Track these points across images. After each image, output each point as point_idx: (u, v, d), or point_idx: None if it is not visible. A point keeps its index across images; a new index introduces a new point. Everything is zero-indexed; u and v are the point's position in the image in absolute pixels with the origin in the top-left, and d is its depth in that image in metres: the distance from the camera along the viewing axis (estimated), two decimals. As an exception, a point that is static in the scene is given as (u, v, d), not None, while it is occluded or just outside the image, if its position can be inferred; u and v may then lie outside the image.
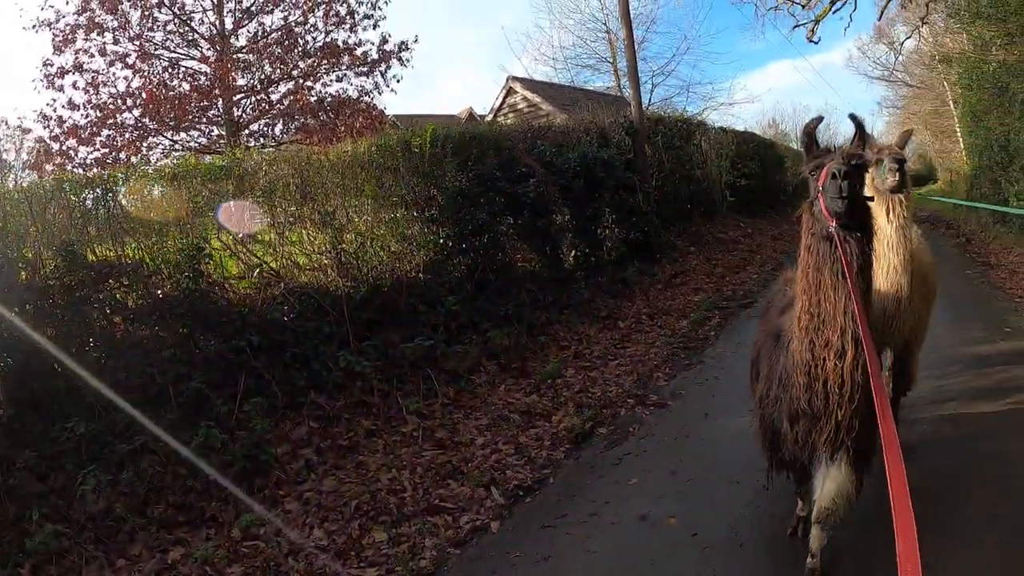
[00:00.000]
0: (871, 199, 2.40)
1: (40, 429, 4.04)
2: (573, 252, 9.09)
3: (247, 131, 12.93)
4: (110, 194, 4.76)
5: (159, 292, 4.63)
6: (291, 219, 5.66)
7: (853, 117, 2.45)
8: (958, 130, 21.25)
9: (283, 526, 3.73)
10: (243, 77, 12.51)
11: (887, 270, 3.52)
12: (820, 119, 2.49)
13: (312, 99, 12.54)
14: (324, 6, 12.89)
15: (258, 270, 5.20)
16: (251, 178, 5.46)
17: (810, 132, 2.46)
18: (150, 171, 5.17)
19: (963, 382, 4.92)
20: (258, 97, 12.83)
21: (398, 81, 15.22)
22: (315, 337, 5.30)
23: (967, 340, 5.98)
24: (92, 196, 4.73)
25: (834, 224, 2.21)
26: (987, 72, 12.89)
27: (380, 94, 13.86)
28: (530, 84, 17.14)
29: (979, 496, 3.26)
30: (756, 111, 55.94)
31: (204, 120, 12.39)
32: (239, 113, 12.69)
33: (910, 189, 3.59)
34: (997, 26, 11.49)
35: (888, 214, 3.48)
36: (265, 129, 13.19)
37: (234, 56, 12.49)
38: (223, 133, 12.45)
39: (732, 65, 58.98)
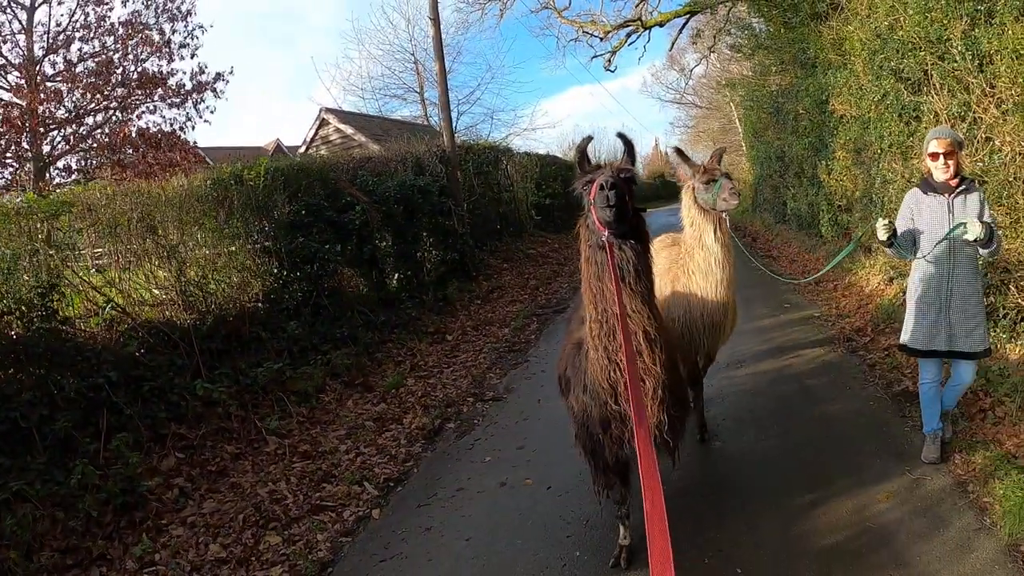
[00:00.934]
0: (643, 210, 2.56)
1: None
2: (396, 275, 9.72)
3: (57, 166, 11.84)
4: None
5: (12, 333, 4.54)
6: (135, 254, 5.70)
7: (622, 136, 2.59)
8: (743, 145, 23.27)
9: (178, 549, 3.99)
10: (56, 107, 11.43)
11: (715, 285, 3.84)
12: (590, 138, 2.69)
13: (131, 131, 11.81)
14: (141, 35, 12.21)
15: (109, 306, 5.22)
16: (93, 213, 5.45)
17: (582, 150, 2.60)
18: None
19: (752, 348, 6.47)
20: (68, 130, 11.77)
21: (212, 112, 14.71)
22: (168, 370, 5.44)
23: (755, 317, 7.61)
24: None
25: (607, 233, 2.32)
26: (765, 95, 14.94)
27: (193, 128, 13.40)
28: (343, 116, 17.36)
29: (764, 423, 4.71)
30: (558, 135, 60.56)
31: (10, 155, 11.12)
32: (49, 148, 11.57)
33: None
34: (774, 55, 13.55)
35: (715, 232, 3.78)
36: (78, 163, 12.11)
37: (46, 84, 11.38)
38: (30, 168, 11.28)
39: (535, 92, 63.27)
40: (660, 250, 4.44)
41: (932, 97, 6.13)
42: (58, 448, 4.45)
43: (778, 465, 4.06)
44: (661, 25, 16.91)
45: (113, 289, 5.48)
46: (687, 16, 16.50)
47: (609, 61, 18.45)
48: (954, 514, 3.32)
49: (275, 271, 7.07)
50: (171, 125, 12.91)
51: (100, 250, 5.79)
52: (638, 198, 2.57)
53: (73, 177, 11.80)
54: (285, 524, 4.21)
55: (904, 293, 4.54)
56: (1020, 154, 4.83)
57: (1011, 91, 4.88)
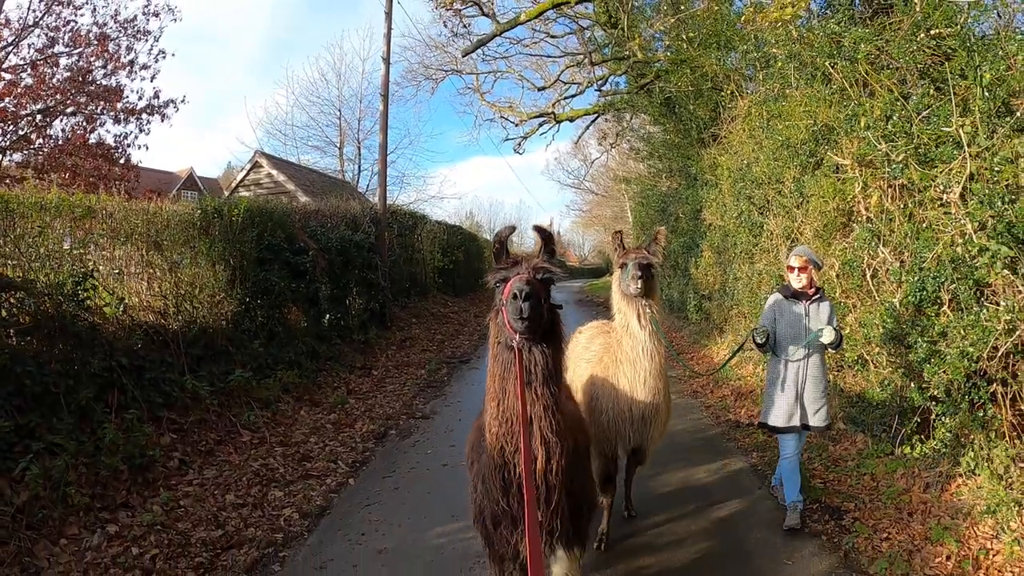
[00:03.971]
0: (559, 307, 2.43)
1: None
2: (328, 316, 10.87)
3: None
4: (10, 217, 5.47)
5: (49, 311, 5.43)
6: (141, 263, 6.70)
7: (539, 229, 2.43)
8: (632, 234, 25.87)
9: (199, 498, 5.03)
10: (26, 103, 11.65)
11: (644, 377, 3.63)
12: (512, 228, 2.53)
13: (91, 140, 12.24)
14: (109, 50, 12.79)
15: (122, 304, 6.18)
16: (111, 222, 6.42)
17: (502, 241, 2.44)
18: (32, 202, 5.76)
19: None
20: (16, 127, 11.94)
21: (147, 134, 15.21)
22: (161, 365, 6.42)
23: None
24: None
25: (517, 338, 2.22)
26: (655, 194, 17.11)
27: (139, 148, 13.94)
28: (276, 162, 18.17)
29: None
30: (456, 203, 63.71)
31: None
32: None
33: (657, 292, 3.73)
34: (665, 163, 15.73)
35: (639, 319, 3.59)
36: (28, 161, 12.20)
37: (18, 78, 11.61)
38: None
39: (443, 159, 67.04)
40: (595, 336, 4.54)
41: (771, 219, 8.48)
42: (79, 414, 5.35)
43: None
44: (571, 120, 18.80)
45: (122, 289, 6.43)
46: (595, 115, 18.78)
47: (520, 144, 20.12)
48: (747, 481, 5.39)
49: (238, 296, 8.13)
50: (115, 140, 13.41)
51: (105, 254, 6.65)
52: None
53: (23, 175, 11.85)
54: (283, 484, 5.41)
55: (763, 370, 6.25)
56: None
57: (816, 223, 7.15)
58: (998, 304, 4.39)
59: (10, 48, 12.05)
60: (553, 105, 18.46)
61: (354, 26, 58.97)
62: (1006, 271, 4.32)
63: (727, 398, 7.92)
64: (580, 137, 23.18)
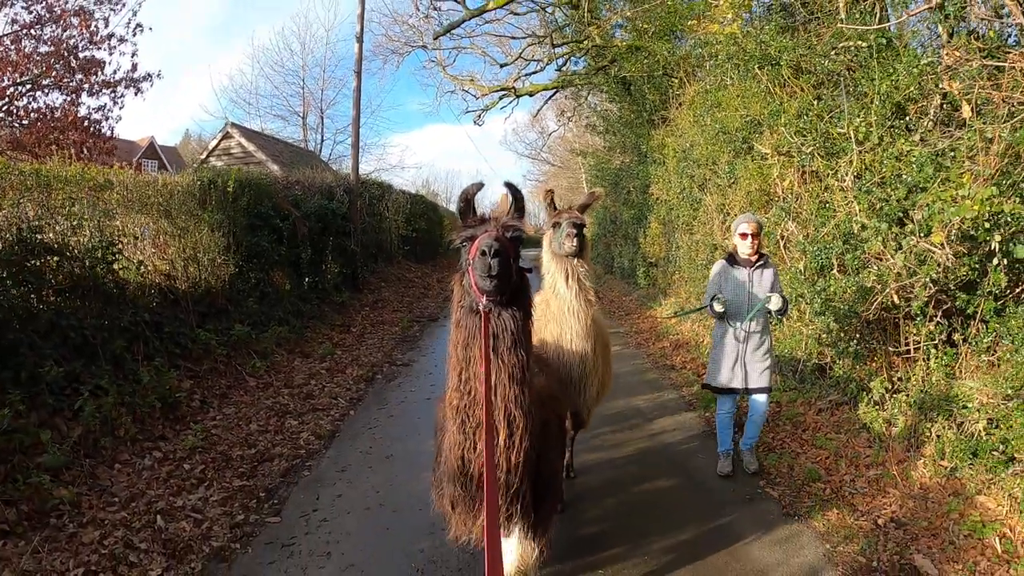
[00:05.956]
0: (529, 270, 2.32)
1: (9, 375, 5.42)
2: (307, 279, 11.76)
3: None
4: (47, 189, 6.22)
5: (84, 274, 6.24)
6: (155, 230, 7.51)
7: (510, 186, 2.32)
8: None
9: (227, 427, 6.02)
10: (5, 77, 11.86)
11: (571, 337, 3.58)
12: (480, 185, 2.32)
13: (77, 115, 12.55)
14: (87, 22, 13.01)
15: (140, 266, 7.02)
16: (125, 192, 7.19)
17: (468, 198, 2.29)
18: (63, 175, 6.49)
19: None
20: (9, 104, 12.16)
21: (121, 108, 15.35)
22: (175, 321, 7.31)
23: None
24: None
25: (484, 300, 2.10)
26: (610, 169, 18.14)
27: (115, 122, 14.19)
28: (246, 132, 18.60)
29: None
30: (413, 172, 64.43)
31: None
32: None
33: (588, 253, 3.66)
34: (619, 138, 16.69)
35: (567, 279, 3.54)
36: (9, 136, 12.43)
37: None
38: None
39: (400, 127, 67.35)
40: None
41: (708, 196, 9.67)
42: (113, 361, 6.22)
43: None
44: (531, 95, 19.55)
45: (140, 253, 7.26)
46: (554, 91, 19.56)
47: (480, 116, 20.71)
48: (675, 406, 6.68)
49: (234, 260, 8.97)
50: (100, 113, 13.68)
51: (118, 223, 7.39)
52: None
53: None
54: (296, 416, 6.44)
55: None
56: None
57: (743, 201, 8.32)
58: (874, 268, 5.58)
59: None
60: (514, 80, 19.19)
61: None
62: (880, 244, 5.50)
63: (666, 348, 9.23)
64: (539, 112, 24.00)
